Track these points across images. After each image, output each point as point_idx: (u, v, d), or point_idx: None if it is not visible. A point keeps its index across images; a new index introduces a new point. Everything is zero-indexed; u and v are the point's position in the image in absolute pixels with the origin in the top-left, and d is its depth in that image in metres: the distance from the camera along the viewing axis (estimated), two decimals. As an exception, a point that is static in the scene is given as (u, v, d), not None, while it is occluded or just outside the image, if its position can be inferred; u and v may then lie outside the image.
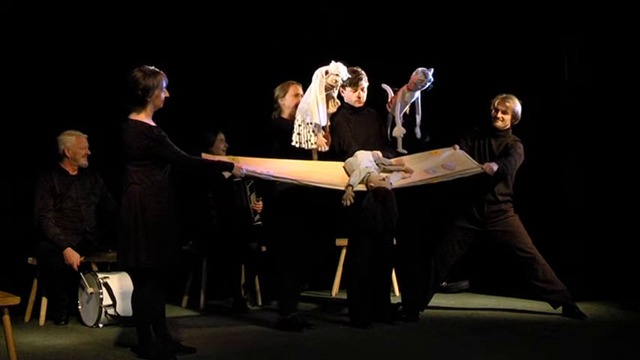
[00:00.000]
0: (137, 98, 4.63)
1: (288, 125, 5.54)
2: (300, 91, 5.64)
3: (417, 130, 5.77)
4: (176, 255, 4.75)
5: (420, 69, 5.62)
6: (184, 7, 6.88)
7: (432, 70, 5.60)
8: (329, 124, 5.59)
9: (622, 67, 6.66)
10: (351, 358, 4.86)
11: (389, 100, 5.84)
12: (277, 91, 5.68)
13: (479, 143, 5.97)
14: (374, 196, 5.25)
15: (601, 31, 6.65)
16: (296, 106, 5.57)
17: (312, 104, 5.46)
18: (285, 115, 5.64)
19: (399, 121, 5.72)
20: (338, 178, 5.46)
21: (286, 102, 5.64)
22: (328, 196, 5.39)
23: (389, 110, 5.80)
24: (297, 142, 5.46)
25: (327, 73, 5.49)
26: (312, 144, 5.47)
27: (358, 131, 5.67)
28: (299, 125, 5.46)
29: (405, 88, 5.71)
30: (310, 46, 7.14)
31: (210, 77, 7.03)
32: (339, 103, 5.68)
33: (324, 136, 5.53)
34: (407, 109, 5.77)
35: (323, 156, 5.59)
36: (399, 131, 5.70)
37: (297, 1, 7.24)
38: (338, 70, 5.50)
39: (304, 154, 5.53)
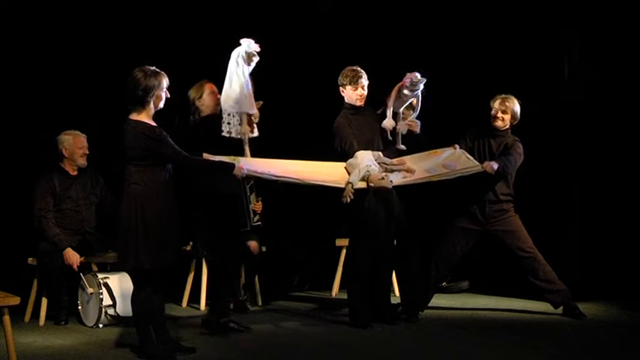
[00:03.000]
0: (137, 98, 4.62)
1: (218, 119, 5.40)
2: (215, 88, 5.56)
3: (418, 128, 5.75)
4: (176, 256, 4.75)
5: (408, 79, 5.52)
6: (184, 7, 6.88)
7: (424, 80, 5.50)
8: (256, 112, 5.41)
9: (622, 66, 6.66)
10: (351, 358, 4.85)
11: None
12: (193, 93, 5.56)
13: (478, 143, 5.96)
14: (375, 196, 5.23)
15: (601, 30, 6.65)
16: (216, 103, 5.49)
17: (243, 93, 5.29)
18: (206, 114, 5.55)
19: (400, 116, 5.70)
20: (338, 177, 5.46)
21: (206, 101, 5.55)
22: (312, 197, 5.32)
23: (387, 103, 5.74)
24: (227, 132, 5.34)
25: (253, 56, 5.31)
26: (239, 133, 5.34)
27: (360, 132, 5.63)
28: (228, 114, 5.34)
29: (400, 85, 5.67)
30: (310, 46, 7.14)
31: (209, 77, 7.02)
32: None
33: (249, 123, 5.36)
34: (402, 109, 5.75)
35: (254, 144, 5.44)
36: (402, 127, 5.68)
37: (297, 2, 7.24)
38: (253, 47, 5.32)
39: (235, 144, 5.41)
